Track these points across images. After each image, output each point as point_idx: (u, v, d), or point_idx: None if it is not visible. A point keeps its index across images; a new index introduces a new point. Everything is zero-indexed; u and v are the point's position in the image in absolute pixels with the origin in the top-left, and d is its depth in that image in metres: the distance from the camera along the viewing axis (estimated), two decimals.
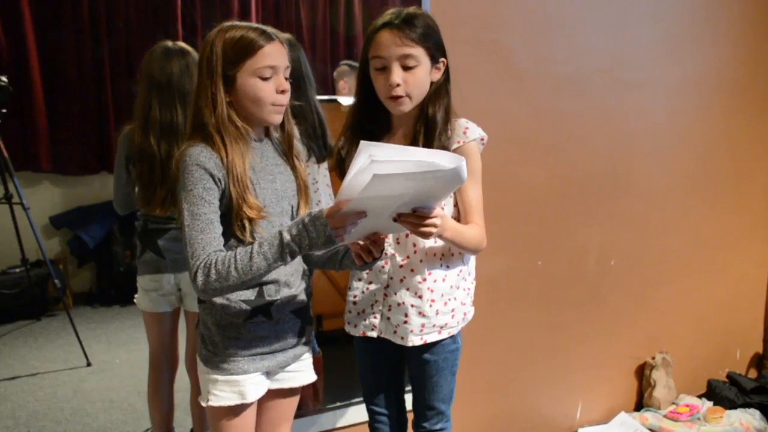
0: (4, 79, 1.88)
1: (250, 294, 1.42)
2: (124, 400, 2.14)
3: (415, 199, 1.29)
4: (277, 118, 1.41)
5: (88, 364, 2.14)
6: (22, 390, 2.06)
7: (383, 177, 1.14)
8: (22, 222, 2.00)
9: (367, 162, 1.15)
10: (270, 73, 1.36)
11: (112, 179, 1.96)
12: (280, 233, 1.29)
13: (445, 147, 1.51)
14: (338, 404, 2.23)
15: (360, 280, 1.66)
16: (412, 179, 1.18)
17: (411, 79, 1.50)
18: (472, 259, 1.70)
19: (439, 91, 1.55)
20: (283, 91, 1.38)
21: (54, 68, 2.01)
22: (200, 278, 1.29)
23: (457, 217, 1.61)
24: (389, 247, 1.59)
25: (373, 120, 1.60)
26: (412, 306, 1.60)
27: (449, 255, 1.62)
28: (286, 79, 1.40)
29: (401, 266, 1.60)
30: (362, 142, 1.17)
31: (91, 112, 2.09)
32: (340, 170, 1.63)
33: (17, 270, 2.08)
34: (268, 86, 1.36)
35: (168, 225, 1.91)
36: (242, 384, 1.43)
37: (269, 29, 1.38)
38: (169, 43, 1.90)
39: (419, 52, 1.50)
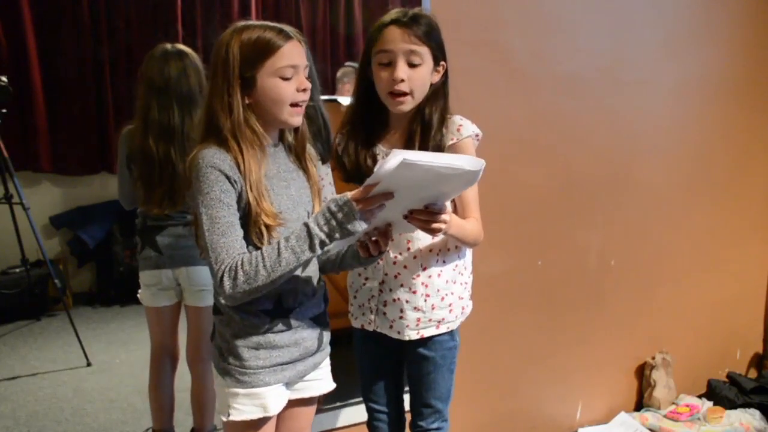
0: (4, 79, 1.89)
1: (268, 304, 1.39)
2: (124, 400, 2.14)
3: (430, 195, 1.32)
4: (297, 120, 1.38)
5: (88, 364, 2.14)
6: (22, 390, 2.06)
7: (410, 164, 1.16)
8: (22, 222, 2.00)
9: (398, 162, 1.17)
10: (291, 73, 1.33)
11: (112, 179, 2.01)
12: (307, 225, 1.26)
13: (439, 146, 1.55)
14: (338, 404, 2.23)
15: (359, 275, 1.68)
16: (435, 173, 1.21)
17: (415, 77, 1.52)
18: (469, 253, 1.71)
19: (437, 93, 1.58)
20: (304, 90, 1.35)
21: (54, 68, 2.01)
22: (227, 282, 1.26)
23: (454, 212, 1.61)
24: None
25: (371, 119, 1.61)
26: (407, 302, 1.62)
27: (445, 250, 1.63)
28: (306, 78, 1.37)
29: (394, 263, 1.62)
30: (395, 150, 1.18)
31: (91, 112, 2.09)
32: (339, 167, 1.64)
33: (17, 270, 2.08)
34: (290, 86, 1.33)
35: (165, 222, 1.95)
36: (264, 396, 1.40)
37: (287, 27, 1.35)
38: (168, 46, 1.92)
39: (425, 51, 1.52)
